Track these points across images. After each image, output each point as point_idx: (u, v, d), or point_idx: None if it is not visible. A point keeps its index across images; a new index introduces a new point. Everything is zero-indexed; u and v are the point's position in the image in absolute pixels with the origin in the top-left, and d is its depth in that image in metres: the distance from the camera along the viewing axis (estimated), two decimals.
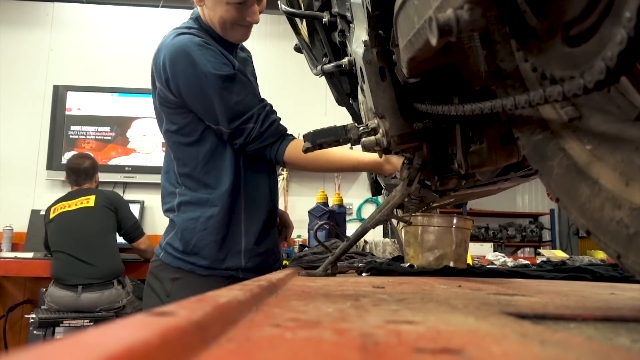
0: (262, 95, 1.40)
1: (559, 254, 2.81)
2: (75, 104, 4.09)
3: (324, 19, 1.29)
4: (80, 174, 2.86)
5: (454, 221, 1.11)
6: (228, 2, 1.27)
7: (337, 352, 0.21)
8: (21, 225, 3.69)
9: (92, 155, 3.22)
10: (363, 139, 0.92)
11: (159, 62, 1.28)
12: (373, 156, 1.27)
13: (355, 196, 4.30)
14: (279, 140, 1.32)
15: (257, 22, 1.31)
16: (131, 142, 4.01)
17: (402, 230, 1.16)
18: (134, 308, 2.67)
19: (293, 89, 4.28)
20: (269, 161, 1.35)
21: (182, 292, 1.24)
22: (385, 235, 3.89)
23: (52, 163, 3.99)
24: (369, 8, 0.76)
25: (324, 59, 1.41)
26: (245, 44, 1.48)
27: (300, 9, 1.41)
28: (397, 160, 1.25)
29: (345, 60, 1.20)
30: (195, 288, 1.22)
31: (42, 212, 3.04)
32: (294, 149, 1.31)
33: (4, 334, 3.45)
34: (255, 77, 1.53)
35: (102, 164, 4.01)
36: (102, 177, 3.94)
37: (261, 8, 1.34)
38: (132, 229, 2.79)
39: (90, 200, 2.74)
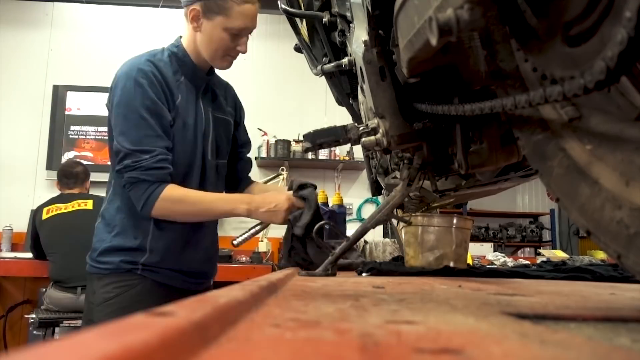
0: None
1: (559, 254, 2.81)
2: (75, 103, 4.09)
3: (324, 19, 1.29)
4: (71, 177, 2.90)
5: (454, 221, 1.11)
6: (225, 29, 1.31)
7: (337, 352, 0.21)
8: (21, 225, 3.69)
9: (84, 163, 3.28)
10: (363, 139, 0.91)
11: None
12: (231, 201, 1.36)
13: (355, 196, 4.30)
14: (160, 183, 1.27)
15: (245, 52, 1.36)
16: None
17: (402, 230, 1.16)
18: None
19: (293, 88, 4.28)
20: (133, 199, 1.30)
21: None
22: (385, 235, 3.89)
23: (52, 163, 3.99)
24: (369, 8, 0.76)
25: (324, 59, 1.41)
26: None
27: (300, 9, 1.41)
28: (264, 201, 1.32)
29: (345, 60, 1.20)
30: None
31: None
32: (170, 196, 1.27)
33: (4, 334, 3.45)
34: (234, 103, 1.57)
35: (101, 163, 4.01)
36: (102, 176, 3.94)
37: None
38: None
39: (88, 204, 2.77)
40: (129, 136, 1.25)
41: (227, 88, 1.58)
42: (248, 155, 1.65)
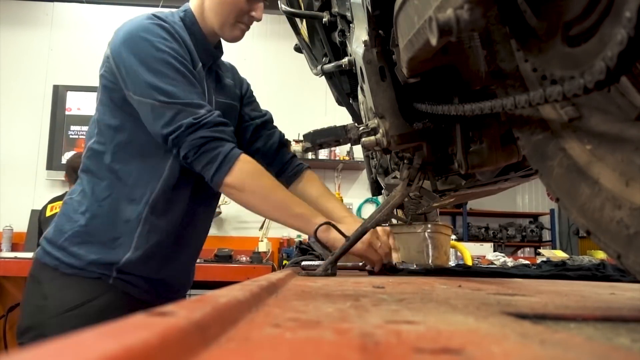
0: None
1: (559, 254, 2.81)
2: (75, 103, 4.09)
3: (324, 19, 1.29)
4: None
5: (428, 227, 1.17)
6: None
7: (337, 352, 0.21)
8: (21, 225, 3.69)
9: None
10: (363, 139, 0.92)
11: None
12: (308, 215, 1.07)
13: (355, 196, 4.31)
14: (235, 144, 1.06)
15: (259, 20, 1.20)
16: None
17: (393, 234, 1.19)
18: None
19: (293, 88, 4.28)
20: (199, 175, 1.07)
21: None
22: None
23: (52, 163, 3.99)
24: (369, 8, 0.76)
25: (324, 59, 1.41)
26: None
27: (300, 9, 1.41)
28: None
29: (345, 60, 1.20)
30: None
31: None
32: (251, 162, 1.05)
33: (4, 334, 3.44)
34: (241, 84, 1.39)
35: None
36: None
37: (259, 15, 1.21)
38: None
39: None
40: (171, 90, 1.00)
41: (233, 70, 1.39)
42: (273, 130, 1.37)
